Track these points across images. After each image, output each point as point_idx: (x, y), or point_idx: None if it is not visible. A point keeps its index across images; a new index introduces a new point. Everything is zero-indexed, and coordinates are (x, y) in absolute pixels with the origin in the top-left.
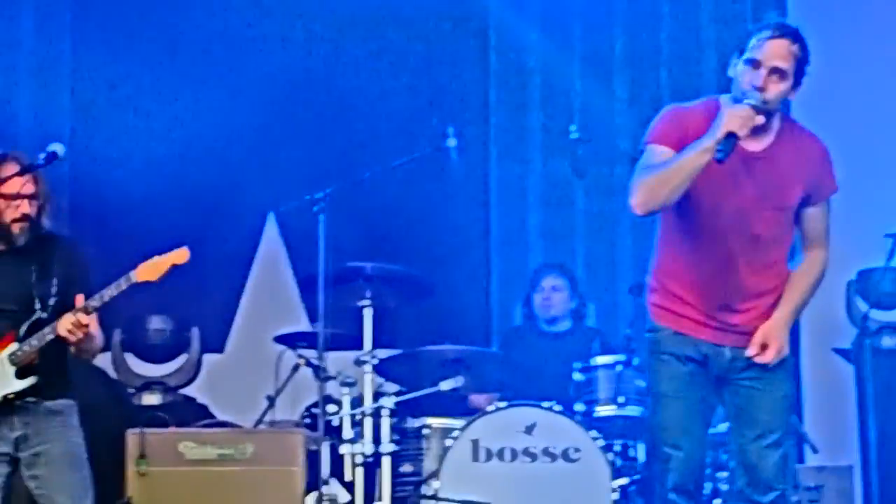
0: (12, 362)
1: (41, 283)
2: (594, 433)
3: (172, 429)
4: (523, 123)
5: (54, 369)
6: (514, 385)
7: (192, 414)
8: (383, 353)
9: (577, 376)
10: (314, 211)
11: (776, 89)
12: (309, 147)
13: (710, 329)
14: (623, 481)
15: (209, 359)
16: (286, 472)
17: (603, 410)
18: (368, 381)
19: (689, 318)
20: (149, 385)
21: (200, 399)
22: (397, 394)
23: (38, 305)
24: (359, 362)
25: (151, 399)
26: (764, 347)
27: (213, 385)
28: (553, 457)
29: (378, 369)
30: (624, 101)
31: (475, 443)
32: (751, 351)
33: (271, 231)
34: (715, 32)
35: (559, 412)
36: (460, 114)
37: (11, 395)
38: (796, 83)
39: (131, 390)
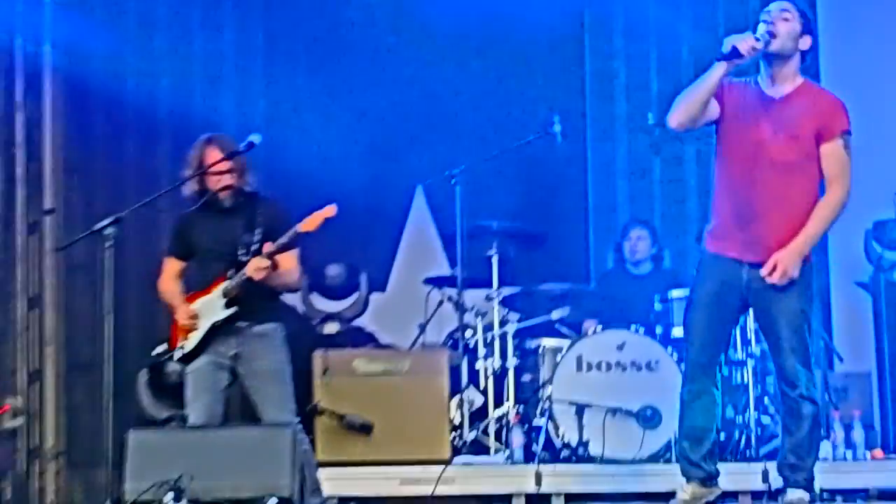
0: (223, 295)
1: (246, 233)
2: (670, 349)
3: (348, 350)
4: (612, 112)
5: (257, 301)
6: (608, 313)
7: (363, 339)
8: (507, 291)
9: (657, 306)
10: (452, 183)
11: (785, 26)
12: (447, 136)
13: (736, 244)
14: None
15: (374, 297)
16: (435, 381)
17: (677, 332)
18: (496, 312)
19: (722, 239)
20: (329, 317)
21: (368, 328)
22: (518, 321)
23: (241, 251)
24: (488, 298)
25: (331, 328)
26: (772, 270)
27: (377, 317)
28: (639, 367)
29: (503, 303)
30: None
31: (579, 358)
32: (764, 271)
33: (420, 199)
34: None
35: (643, 334)
36: (563, 106)
37: (218, 322)
38: (804, 29)
39: (315, 322)
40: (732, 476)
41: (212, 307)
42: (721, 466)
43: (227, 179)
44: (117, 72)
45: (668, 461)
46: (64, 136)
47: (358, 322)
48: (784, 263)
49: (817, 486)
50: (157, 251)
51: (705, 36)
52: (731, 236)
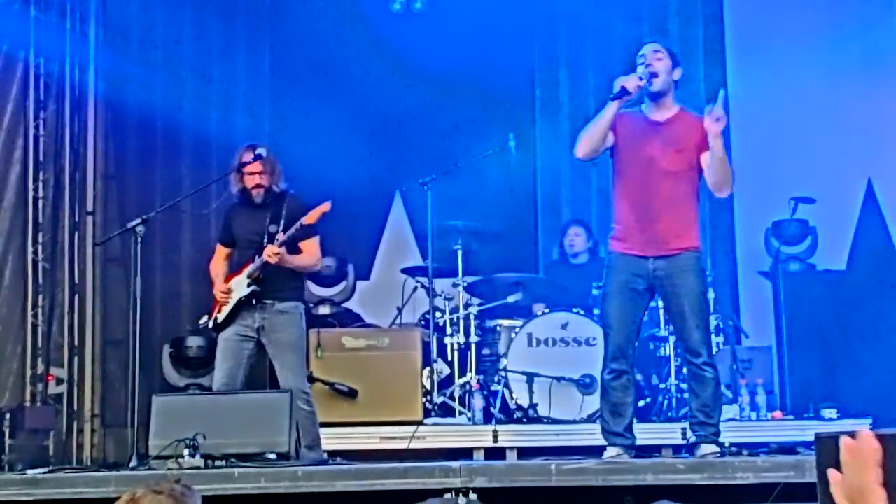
0: (248, 276)
1: (271, 224)
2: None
3: (337, 329)
4: (557, 130)
5: (281, 281)
6: (554, 298)
7: (350, 319)
8: (470, 279)
9: (594, 292)
10: (424, 189)
11: (661, 65)
12: (421, 149)
13: (640, 243)
14: None
15: (360, 284)
16: (409, 355)
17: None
18: (461, 297)
19: (628, 241)
20: (322, 301)
21: (355, 309)
22: (479, 304)
23: (265, 239)
24: (454, 285)
25: (324, 310)
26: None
27: (362, 301)
28: (579, 343)
29: (467, 289)
30: None
31: (530, 335)
32: (716, 114)
33: (398, 202)
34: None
35: (583, 315)
36: (517, 125)
37: (243, 298)
38: (674, 63)
39: (311, 304)
40: (657, 433)
41: (240, 285)
42: (647, 426)
43: (258, 179)
44: (147, 95)
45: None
46: (103, 150)
47: (346, 305)
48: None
49: (726, 441)
50: (178, 246)
51: (632, 69)
52: (634, 237)
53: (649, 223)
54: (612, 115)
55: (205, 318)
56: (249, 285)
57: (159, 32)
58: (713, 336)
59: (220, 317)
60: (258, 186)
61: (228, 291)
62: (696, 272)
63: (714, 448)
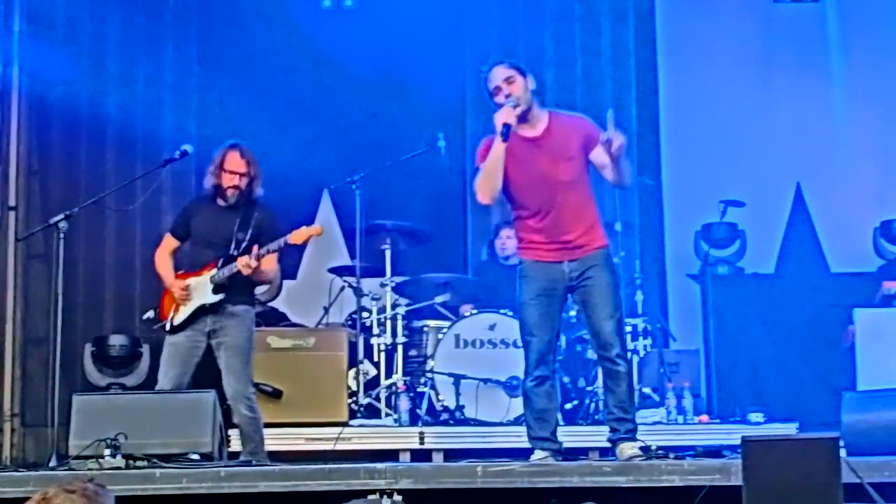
0: (211, 281)
1: (240, 231)
2: None
3: (263, 328)
4: (488, 131)
5: (238, 287)
6: (482, 299)
7: (276, 318)
8: (398, 279)
9: None
10: (353, 188)
11: (514, 88)
12: (350, 148)
13: (553, 252)
14: None
15: (287, 283)
16: (335, 355)
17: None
18: (388, 297)
19: (539, 249)
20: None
21: (281, 309)
22: (407, 305)
23: (234, 246)
24: (382, 285)
25: None
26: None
27: (289, 300)
28: (507, 345)
29: (395, 289)
30: None
31: (457, 336)
32: (608, 134)
33: (326, 201)
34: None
35: (511, 316)
36: (447, 125)
37: (207, 305)
38: (524, 76)
39: None
40: (583, 436)
41: (202, 290)
42: (574, 428)
43: (237, 181)
44: (73, 90)
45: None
46: (27, 145)
47: (272, 304)
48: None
49: (653, 444)
50: (102, 242)
51: (565, 68)
52: (547, 246)
53: (558, 236)
54: (503, 154)
55: (151, 314)
56: (216, 292)
57: (85, 26)
58: (641, 339)
59: (178, 319)
60: (235, 188)
61: (187, 289)
62: (607, 267)
63: (633, 448)
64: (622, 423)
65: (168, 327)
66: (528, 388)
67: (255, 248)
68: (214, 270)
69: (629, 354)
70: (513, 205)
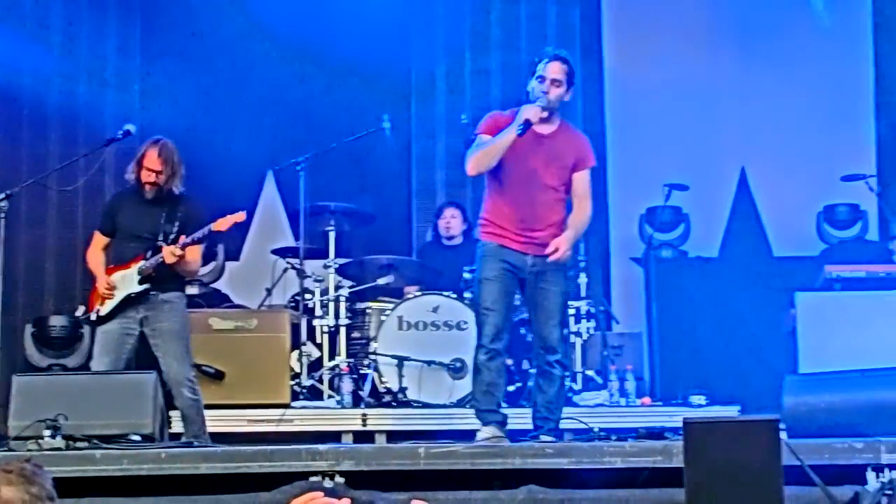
0: (138, 273)
1: (167, 224)
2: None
3: (205, 309)
4: (433, 113)
5: (167, 276)
6: (426, 280)
7: (219, 300)
8: (341, 260)
9: (466, 275)
10: (297, 169)
11: (556, 93)
12: (295, 130)
13: (518, 243)
14: None
15: (230, 264)
16: (278, 337)
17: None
18: (331, 278)
19: (505, 236)
20: (190, 281)
21: (224, 290)
22: (350, 287)
23: (160, 238)
24: (325, 266)
25: (192, 290)
26: (554, 250)
27: (232, 281)
28: (450, 327)
29: (338, 271)
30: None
31: (400, 318)
32: (549, 250)
33: (270, 182)
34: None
35: (454, 298)
36: (392, 106)
37: (134, 294)
38: (568, 88)
39: None
40: (527, 418)
41: (128, 281)
42: (517, 410)
43: (154, 178)
44: (14, 69)
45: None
46: None
47: (215, 285)
48: (563, 247)
49: (596, 426)
50: (43, 223)
51: (510, 51)
52: (515, 237)
53: (530, 231)
54: (510, 144)
55: (82, 310)
56: (142, 282)
57: (28, 4)
58: (584, 321)
59: (104, 310)
60: (152, 184)
61: (113, 287)
62: (562, 275)
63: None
64: (545, 422)
65: (94, 318)
66: (480, 362)
67: (182, 238)
68: (142, 262)
69: (573, 337)
70: (493, 186)
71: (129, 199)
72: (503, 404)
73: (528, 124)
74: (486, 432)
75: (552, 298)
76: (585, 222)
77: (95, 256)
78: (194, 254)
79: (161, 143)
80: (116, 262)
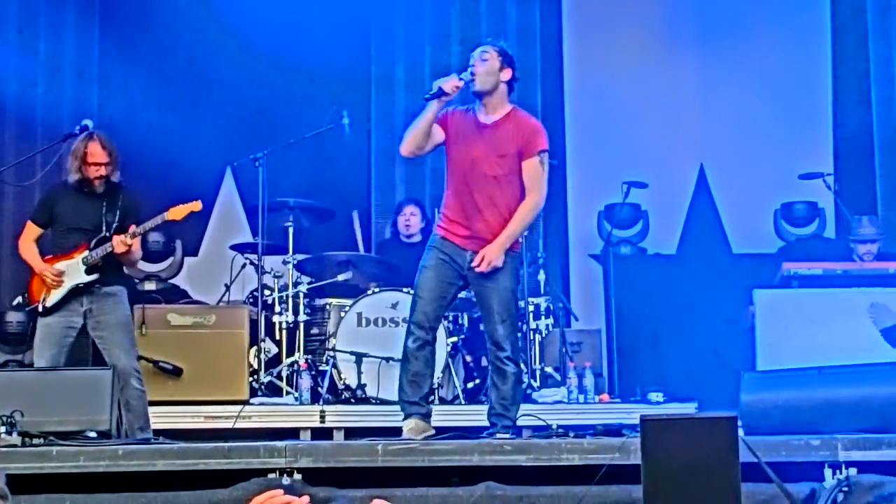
0: (84, 263)
1: (108, 214)
2: None
3: (163, 305)
4: (392, 108)
5: (111, 268)
6: (385, 277)
7: (177, 296)
8: (300, 256)
9: None
10: (256, 165)
11: (482, 67)
12: (253, 125)
13: (461, 237)
14: (454, 339)
15: (188, 260)
16: (236, 333)
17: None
18: (290, 274)
19: (451, 230)
20: (148, 277)
21: (182, 286)
22: (309, 283)
23: (104, 228)
24: (284, 262)
25: (150, 286)
26: (481, 261)
27: (190, 277)
28: None
29: (297, 267)
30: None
31: (359, 314)
32: (475, 262)
33: (228, 178)
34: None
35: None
36: (352, 102)
37: (81, 285)
38: (503, 66)
39: (136, 280)
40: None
41: (74, 271)
42: (476, 407)
43: (103, 171)
44: None
45: (432, 402)
46: None
47: (173, 281)
48: (489, 256)
49: (554, 423)
50: (0, 218)
51: (471, 46)
52: (457, 230)
53: (471, 221)
54: (433, 115)
55: (20, 299)
56: (89, 272)
57: None
58: (543, 318)
59: (50, 301)
60: (101, 178)
61: (60, 275)
62: (508, 270)
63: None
64: (501, 419)
65: (41, 309)
66: (408, 349)
67: (133, 227)
68: (86, 252)
69: (532, 334)
70: (446, 179)
71: (69, 193)
72: (462, 401)
73: (440, 91)
74: (411, 425)
75: (493, 295)
76: (529, 213)
77: (29, 246)
78: (136, 243)
79: (98, 135)
80: (56, 252)
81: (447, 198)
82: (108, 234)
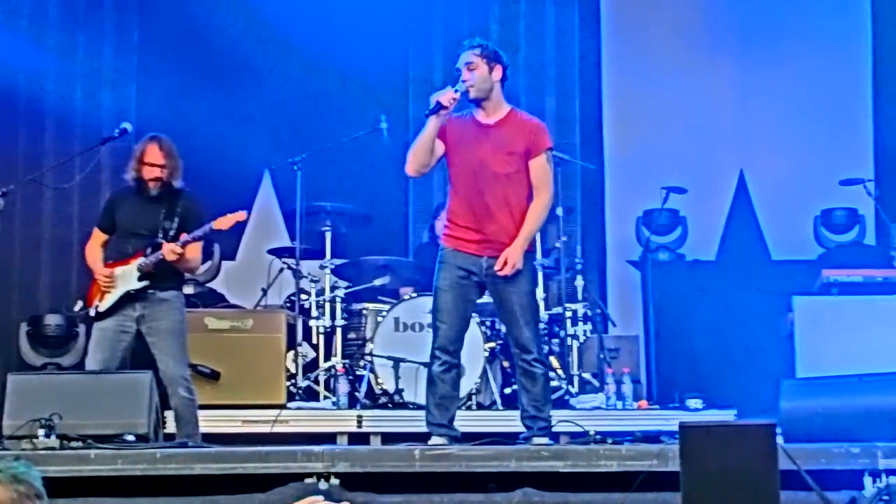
0: (138, 269)
1: (166, 220)
2: (474, 314)
3: (201, 309)
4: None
5: (166, 274)
6: (422, 282)
7: (214, 300)
8: (338, 261)
9: None
10: (294, 169)
11: (470, 75)
12: (292, 129)
13: (473, 244)
14: (491, 344)
15: (226, 264)
16: (274, 337)
17: (480, 299)
18: (328, 279)
19: (461, 238)
20: (186, 280)
21: (219, 290)
22: (346, 287)
23: (160, 234)
24: (322, 267)
25: (188, 290)
26: (503, 265)
27: (227, 281)
28: None
29: (334, 271)
30: None
31: (396, 319)
32: (497, 266)
33: (266, 181)
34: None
35: None
36: (390, 107)
37: (133, 291)
38: (491, 66)
39: None
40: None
41: (128, 277)
42: (514, 412)
43: (158, 173)
44: (12, 66)
45: (470, 408)
46: None
47: (210, 285)
48: (511, 259)
49: (591, 429)
50: (39, 221)
51: (509, 51)
52: (468, 237)
53: (483, 225)
54: (434, 130)
55: (80, 304)
56: (141, 279)
57: (26, 4)
58: (581, 324)
59: (103, 306)
60: (156, 180)
61: (111, 276)
62: (526, 272)
63: (546, 441)
64: (535, 422)
65: (93, 314)
66: (434, 373)
67: (183, 235)
68: (142, 259)
69: (569, 340)
70: (450, 187)
71: (129, 197)
72: (499, 406)
73: (438, 106)
74: (438, 440)
75: (514, 299)
76: (543, 212)
77: (94, 252)
78: (194, 251)
79: (159, 138)
80: (116, 258)
81: (453, 206)
82: (163, 241)
